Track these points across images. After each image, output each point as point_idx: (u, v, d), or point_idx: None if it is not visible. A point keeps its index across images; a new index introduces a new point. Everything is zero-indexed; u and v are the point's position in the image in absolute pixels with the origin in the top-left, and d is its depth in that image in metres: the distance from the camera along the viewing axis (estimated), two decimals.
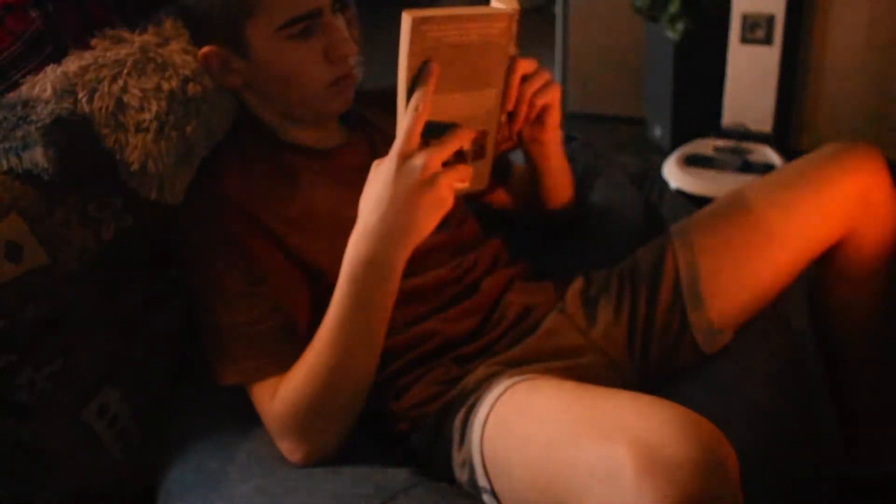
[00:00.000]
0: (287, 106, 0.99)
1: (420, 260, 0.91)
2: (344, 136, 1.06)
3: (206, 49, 0.94)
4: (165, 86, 0.93)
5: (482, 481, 0.83)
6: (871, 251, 1.06)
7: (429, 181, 0.76)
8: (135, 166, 0.91)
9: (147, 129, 0.91)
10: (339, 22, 0.94)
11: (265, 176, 0.97)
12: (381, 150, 0.90)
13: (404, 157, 0.76)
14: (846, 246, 1.06)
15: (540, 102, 0.92)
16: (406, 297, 0.92)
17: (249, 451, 0.93)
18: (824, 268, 1.10)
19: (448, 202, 0.78)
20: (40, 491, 0.95)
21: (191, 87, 0.95)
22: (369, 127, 1.09)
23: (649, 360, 1.05)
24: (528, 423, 0.79)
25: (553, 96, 0.93)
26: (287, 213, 0.95)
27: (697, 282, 1.04)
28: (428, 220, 0.78)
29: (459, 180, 0.79)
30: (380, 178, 0.78)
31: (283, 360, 0.89)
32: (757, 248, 1.04)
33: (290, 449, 0.89)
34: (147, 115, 0.91)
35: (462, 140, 0.79)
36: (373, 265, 0.80)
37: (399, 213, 0.77)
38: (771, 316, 1.09)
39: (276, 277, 0.92)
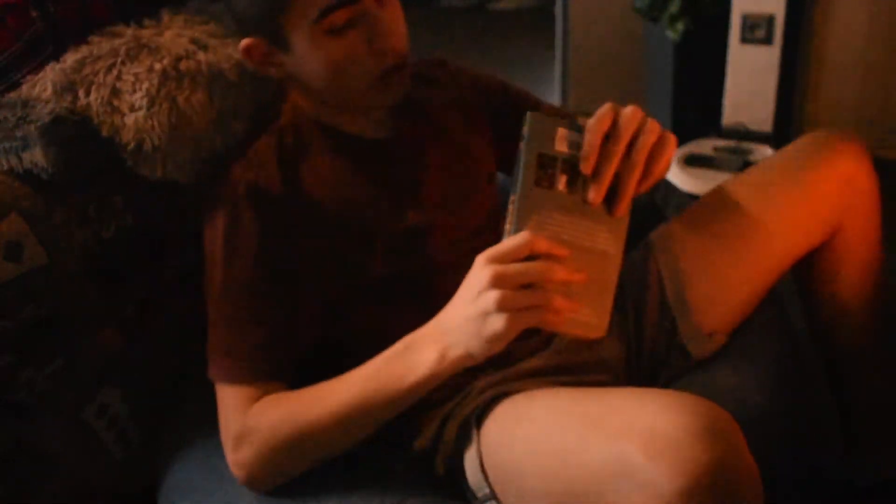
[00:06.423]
0: (331, 99, 0.94)
1: (420, 242, 0.91)
2: (391, 126, 1.00)
3: (247, 41, 0.89)
4: (157, 66, 0.92)
5: (484, 489, 0.83)
6: (858, 242, 1.04)
7: (496, 314, 0.70)
8: (131, 145, 0.90)
9: (140, 108, 0.90)
10: (385, 13, 0.88)
11: (303, 165, 0.93)
12: (429, 144, 0.95)
13: (493, 281, 0.70)
14: (833, 239, 1.04)
15: (658, 170, 0.79)
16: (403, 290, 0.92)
17: None
18: (814, 268, 1.08)
19: (506, 338, 0.72)
20: (40, 491, 0.95)
21: (183, 64, 0.93)
22: (420, 116, 1.02)
23: (641, 371, 1.04)
24: (533, 431, 0.79)
25: (669, 153, 0.80)
26: (322, 209, 0.92)
27: (683, 288, 1.02)
28: (479, 350, 0.74)
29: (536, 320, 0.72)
30: (467, 286, 0.74)
31: (266, 372, 0.87)
32: (743, 247, 1.02)
33: (240, 463, 0.85)
34: (138, 95, 0.90)
35: (553, 274, 0.71)
36: (409, 351, 0.79)
37: (460, 328, 0.74)
38: (771, 316, 1.09)
39: (304, 269, 0.90)
